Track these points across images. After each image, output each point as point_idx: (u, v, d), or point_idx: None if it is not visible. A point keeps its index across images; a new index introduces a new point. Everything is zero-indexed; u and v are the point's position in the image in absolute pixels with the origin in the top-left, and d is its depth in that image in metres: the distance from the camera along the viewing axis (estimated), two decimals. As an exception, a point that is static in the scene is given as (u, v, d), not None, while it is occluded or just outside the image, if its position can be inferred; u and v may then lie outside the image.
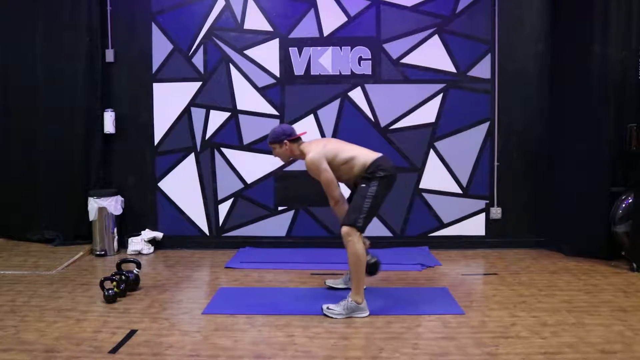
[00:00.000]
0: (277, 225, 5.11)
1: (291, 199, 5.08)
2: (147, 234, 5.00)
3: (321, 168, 3.32)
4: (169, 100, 5.07)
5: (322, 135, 5.00)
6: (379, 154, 3.38)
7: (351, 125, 4.98)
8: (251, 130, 5.06)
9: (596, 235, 4.48)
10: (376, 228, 4.94)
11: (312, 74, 4.99)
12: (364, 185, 3.28)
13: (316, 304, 3.38)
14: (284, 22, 4.99)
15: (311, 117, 5.02)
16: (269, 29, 5.01)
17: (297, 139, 3.51)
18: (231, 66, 5.04)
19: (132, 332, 3.00)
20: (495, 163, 4.99)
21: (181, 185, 5.13)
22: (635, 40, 4.44)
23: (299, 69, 5.00)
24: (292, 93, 5.03)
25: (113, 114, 5.03)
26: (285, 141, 3.46)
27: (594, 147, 4.48)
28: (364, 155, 3.35)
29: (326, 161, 3.33)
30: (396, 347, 2.79)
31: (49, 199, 5.11)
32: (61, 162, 5.06)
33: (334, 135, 4.97)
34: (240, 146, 5.08)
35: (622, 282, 3.89)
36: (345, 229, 3.21)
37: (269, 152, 5.00)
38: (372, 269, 3.50)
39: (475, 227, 5.04)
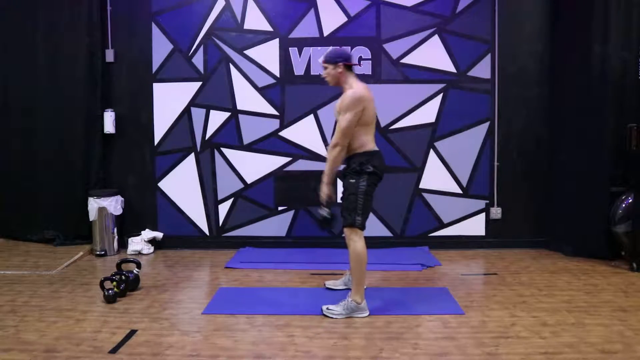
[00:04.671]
0: (277, 225, 5.10)
1: (291, 199, 5.08)
2: (147, 234, 4.99)
3: (355, 107, 3.19)
4: (169, 100, 5.07)
5: (323, 136, 4.99)
6: (376, 149, 3.36)
7: (351, 125, 4.97)
8: (251, 130, 5.06)
9: (596, 235, 4.48)
10: (376, 228, 4.95)
11: (312, 74, 4.99)
12: (352, 180, 3.26)
13: (316, 304, 3.39)
14: (284, 22, 4.99)
15: (311, 117, 5.01)
16: (269, 29, 5.01)
17: (351, 67, 3.38)
18: (231, 66, 5.04)
19: (132, 332, 3.00)
20: (495, 163, 4.99)
21: (181, 185, 5.13)
22: (635, 40, 4.44)
23: (299, 69, 5.00)
24: (292, 93, 5.02)
25: (113, 114, 5.03)
26: (340, 64, 3.33)
27: (594, 147, 4.48)
28: (369, 140, 3.31)
29: (364, 106, 3.21)
30: (396, 347, 2.79)
31: (49, 199, 5.11)
32: (61, 162, 5.06)
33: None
34: (240, 146, 5.08)
35: (622, 282, 3.89)
36: (346, 231, 3.24)
37: (269, 152, 5.06)
38: (324, 223, 3.40)
39: (475, 227, 5.04)
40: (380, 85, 4.97)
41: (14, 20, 5.10)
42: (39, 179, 5.11)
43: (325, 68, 3.38)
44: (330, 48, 3.49)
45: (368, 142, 3.31)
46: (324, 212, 3.39)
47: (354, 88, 3.27)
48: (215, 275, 4.28)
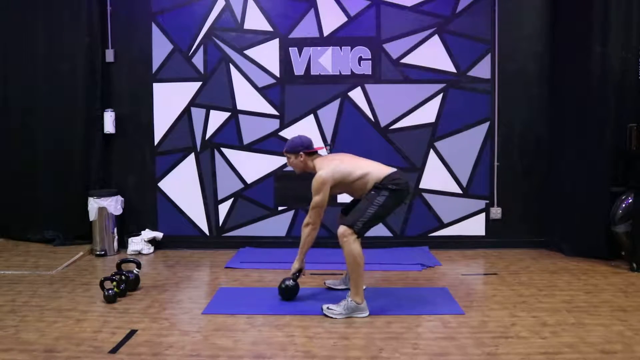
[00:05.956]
0: (277, 225, 5.11)
1: (291, 199, 5.08)
2: (147, 234, 4.99)
3: (322, 189, 3.29)
4: (169, 100, 5.07)
5: (322, 135, 4.99)
6: (394, 169, 3.37)
7: (351, 125, 4.98)
8: (251, 130, 5.06)
9: (596, 235, 4.48)
10: (376, 228, 4.87)
11: (312, 74, 4.99)
12: (373, 192, 3.27)
13: (316, 304, 3.39)
14: (284, 22, 4.99)
15: (311, 117, 5.02)
16: (269, 29, 5.01)
17: (313, 153, 3.49)
18: (231, 66, 5.04)
19: (132, 332, 3.00)
20: (495, 163, 4.99)
21: (181, 185, 5.13)
22: (635, 40, 4.44)
23: (299, 69, 5.00)
24: (292, 93, 5.03)
25: (113, 114, 5.03)
26: (301, 152, 3.45)
27: (594, 148, 4.48)
28: (378, 171, 3.33)
29: (332, 184, 3.30)
30: (396, 347, 2.79)
31: (49, 199, 5.11)
32: (61, 162, 5.07)
33: (334, 135, 4.98)
34: (240, 146, 5.08)
35: (622, 282, 3.89)
36: (341, 229, 3.20)
37: (269, 152, 5.06)
38: (284, 292, 3.51)
39: (475, 227, 5.04)
40: (380, 85, 4.97)
41: (14, 20, 5.10)
42: (39, 179, 5.12)
43: (289, 158, 3.51)
44: (290, 138, 3.57)
45: (380, 174, 3.30)
46: (289, 281, 3.49)
47: (319, 170, 3.34)
48: (215, 275, 4.28)
